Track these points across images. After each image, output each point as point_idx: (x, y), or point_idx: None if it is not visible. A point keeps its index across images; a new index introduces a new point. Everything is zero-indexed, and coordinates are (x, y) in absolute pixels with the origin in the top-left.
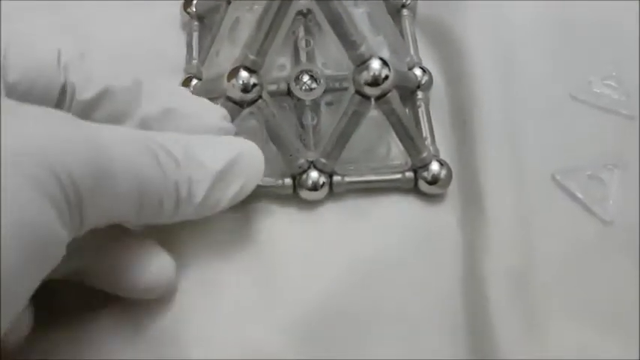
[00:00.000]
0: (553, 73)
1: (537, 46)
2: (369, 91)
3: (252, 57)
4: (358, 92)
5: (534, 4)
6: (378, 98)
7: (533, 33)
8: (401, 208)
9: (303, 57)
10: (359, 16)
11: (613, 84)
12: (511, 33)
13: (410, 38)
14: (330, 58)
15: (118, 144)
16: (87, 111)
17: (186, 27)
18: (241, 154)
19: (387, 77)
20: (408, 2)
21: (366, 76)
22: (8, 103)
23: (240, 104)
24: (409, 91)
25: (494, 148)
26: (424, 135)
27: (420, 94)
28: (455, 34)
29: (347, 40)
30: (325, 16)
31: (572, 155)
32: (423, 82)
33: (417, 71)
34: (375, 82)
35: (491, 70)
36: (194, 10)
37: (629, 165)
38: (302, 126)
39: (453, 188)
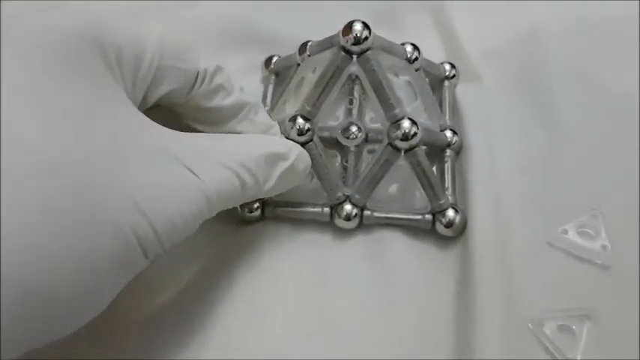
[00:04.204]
0: (531, 219)
1: (520, 192)
2: (399, 144)
3: (308, 108)
4: (390, 144)
5: (519, 153)
6: (407, 151)
7: (517, 180)
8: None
9: (354, 113)
10: (401, 83)
11: (590, 232)
12: (499, 180)
13: (447, 105)
14: (378, 114)
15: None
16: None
17: (264, 80)
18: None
19: (415, 134)
20: (451, 76)
21: (398, 132)
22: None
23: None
24: (439, 149)
25: (486, 288)
26: (446, 186)
27: (448, 152)
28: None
29: (385, 102)
30: (369, 82)
31: (545, 304)
32: (453, 142)
33: (448, 133)
34: (405, 137)
35: (484, 216)
36: (272, 67)
37: (600, 316)
38: (344, 167)
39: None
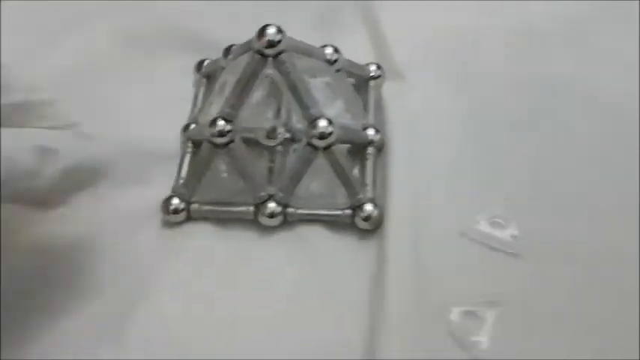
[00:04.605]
0: (446, 213)
1: (437, 187)
2: (316, 143)
3: (227, 110)
4: (309, 144)
5: (440, 151)
6: (325, 149)
7: (435, 175)
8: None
9: (283, 114)
10: (318, 84)
11: (501, 222)
12: (418, 176)
13: (372, 105)
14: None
15: None
16: None
17: (196, 83)
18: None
19: (331, 133)
20: (377, 76)
21: (314, 131)
22: None
23: (217, 146)
24: (361, 146)
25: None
26: (366, 182)
27: (370, 150)
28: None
29: (301, 102)
30: (285, 84)
31: (454, 292)
32: (375, 140)
33: (370, 131)
34: (322, 136)
35: (401, 210)
36: (203, 70)
37: (507, 303)
38: (270, 167)
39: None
